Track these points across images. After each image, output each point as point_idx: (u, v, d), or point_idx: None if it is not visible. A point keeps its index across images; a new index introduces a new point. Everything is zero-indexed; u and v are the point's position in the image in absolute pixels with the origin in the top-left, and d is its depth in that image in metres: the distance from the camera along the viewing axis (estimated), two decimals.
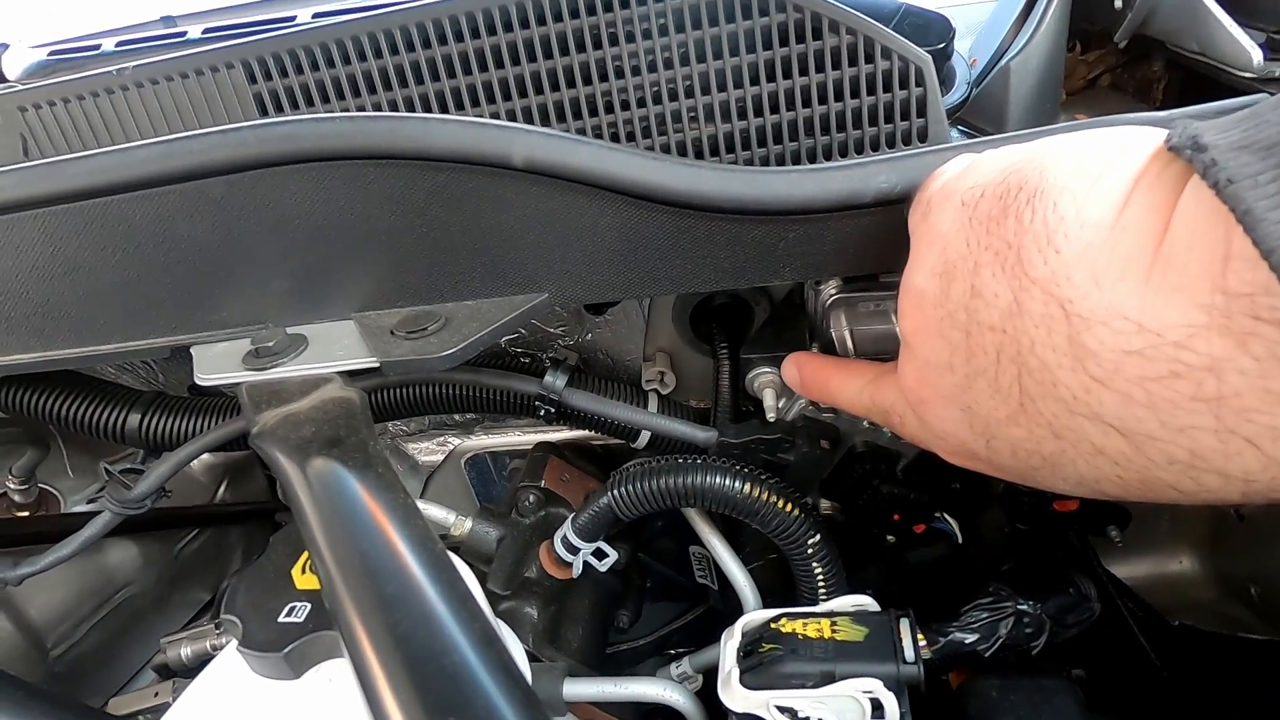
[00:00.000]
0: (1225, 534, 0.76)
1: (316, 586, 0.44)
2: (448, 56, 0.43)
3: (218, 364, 0.46)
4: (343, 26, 0.43)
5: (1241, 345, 0.20)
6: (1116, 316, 0.23)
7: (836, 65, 0.42)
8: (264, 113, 0.45)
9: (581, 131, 0.44)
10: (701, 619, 0.75)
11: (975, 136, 0.49)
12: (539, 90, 0.44)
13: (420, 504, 0.57)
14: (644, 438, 0.61)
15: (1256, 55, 0.49)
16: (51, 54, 0.60)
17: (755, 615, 0.50)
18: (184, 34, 0.60)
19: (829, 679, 0.43)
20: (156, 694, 0.64)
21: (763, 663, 0.45)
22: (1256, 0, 0.52)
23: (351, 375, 0.46)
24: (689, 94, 0.43)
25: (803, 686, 0.44)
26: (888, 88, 0.42)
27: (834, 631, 0.46)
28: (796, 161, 0.44)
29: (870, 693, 0.42)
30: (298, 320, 0.47)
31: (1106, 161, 0.26)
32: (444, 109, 0.44)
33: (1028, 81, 0.51)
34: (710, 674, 0.64)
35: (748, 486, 0.52)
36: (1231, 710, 0.59)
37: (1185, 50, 0.54)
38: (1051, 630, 0.53)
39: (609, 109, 0.44)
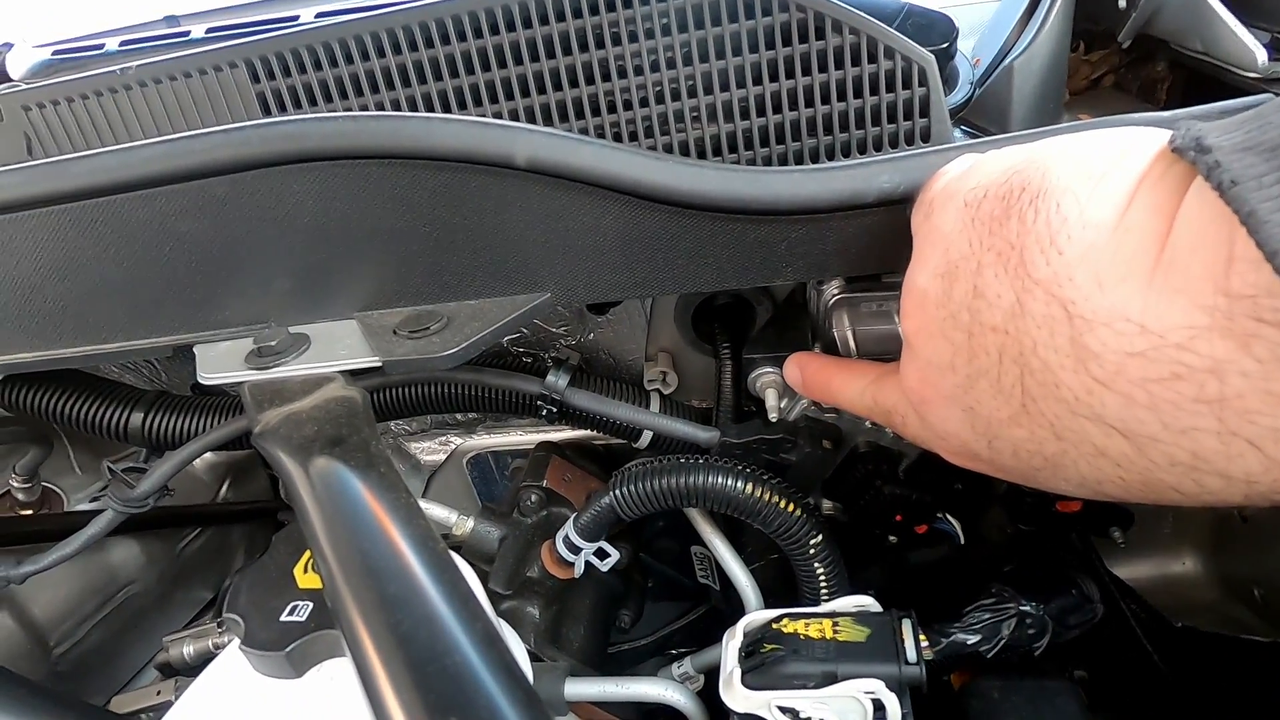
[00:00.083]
0: (1228, 535, 0.76)
1: (318, 586, 0.44)
2: (450, 56, 0.43)
3: (220, 363, 0.46)
4: (345, 26, 0.43)
5: (1244, 347, 0.20)
6: (1119, 318, 0.23)
7: (839, 65, 0.42)
8: (267, 112, 0.46)
9: (584, 131, 0.44)
10: (703, 619, 0.75)
11: (978, 136, 0.49)
12: (541, 90, 0.44)
13: (422, 503, 0.57)
14: (646, 438, 0.61)
15: (1261, 55, 0.48)
16: (55, 53, 0.60)
17: (757, 615, 0.50)
18: (187, 33, 0.60)
19: (831, 679, 0.43)
20: (159, 692, 0.64)
21: (765, 663, 0.45)
22: (1261, 0, 0.52)
23: (354, 374, 0.46)
24: (691, 94, 0.43)
25: (804, 687, 0.43)
26: (890, 87, 0.42)
27: (836, 632, 0.46)
28: (799, 161, 0.44)
29: (872, 693, 0.42)
30: (300, 320, 0.47)
31: (1109, 162, 0.25)
32: (447, 108, 0.44)
33: (1031, 81, 0.51)
34: (712, 674, 0.64)
35: (750, 487, 0.52)
36: (1234, 712, 0.59)
37: (1189, 50, 0.54)
38: (1054, 631, 0.53)
39: (611, 108, 0.44)
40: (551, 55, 0.43)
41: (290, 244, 0.43)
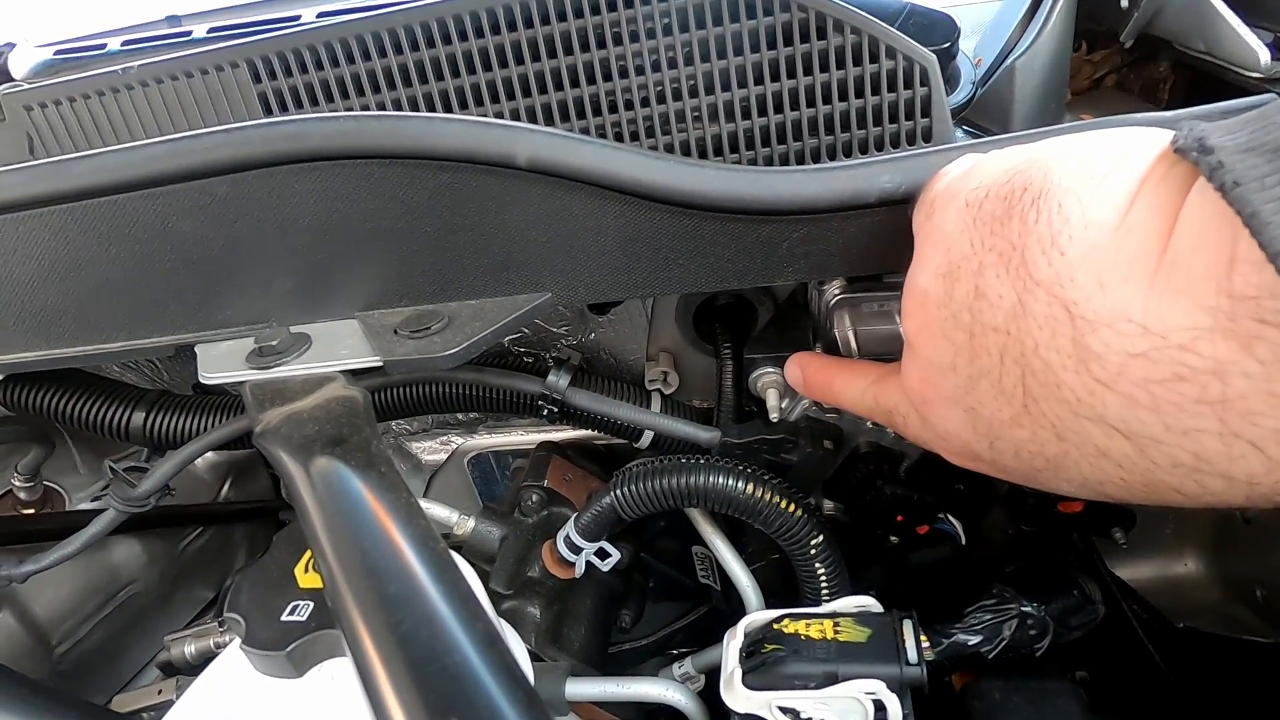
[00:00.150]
0: (1230, 536, 0.76)
1: (319, 585, 0.44)
2: (451, 56, 0.43)
3: (222, 363, 0.46)
4: (347, 26, 0.43)
5: (1246, 348, 0.20)
6: (1121, 319, 0.23)
7: (841, 65, 0.41)
8: (268, 112, 0.46)
9: (585, 131, 0.44)
10: (704, 619, 0.75)
11: (980, 136, 0.49)
12: (543, 89, 0.44)
13: (423, 503, 0.57)
14: (647, 438, 0.61)
15: (1264, 55, 0.48)
16: (57, 53, 0.60)
17: (758, 616, 0.50)
18: (189, 33, 0.60)
19: (831, 680, 0.43)
20: (160, 691, 0.64)
21: (765, 663, 0.45)
22: (1264, 0, 0.52)
23: (355, 374, 0.46)
24: (693, 93, 0.43)
25: (805, 687, 0.43)
26: (892, 87, 0.42)
27: (837, 632, 0.46)
28: (800, 161, 0.44)
29: (873, 694, 0.42)
30: (301, 319, 0.47)
31: (1112, 162, 0.25)
32: (448, 108, 0.44)
33: (1033, 81, 0.51)
34: (712, 674, 0.64)
35: (750, 487, 0.52)
36: (1236, 713, 0.59)
37: (1192, 50, 0.54)
38: (1055, 632, 0.53)
39: (613, 108, 0.44)
40: (552, 55, 0.43)
41: (291, 244, 0.43)
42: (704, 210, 0.39)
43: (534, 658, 0.58)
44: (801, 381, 0.47)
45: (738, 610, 0.59)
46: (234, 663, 0.45)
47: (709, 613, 0.75)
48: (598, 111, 0.44)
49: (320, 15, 0.56)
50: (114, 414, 0.57)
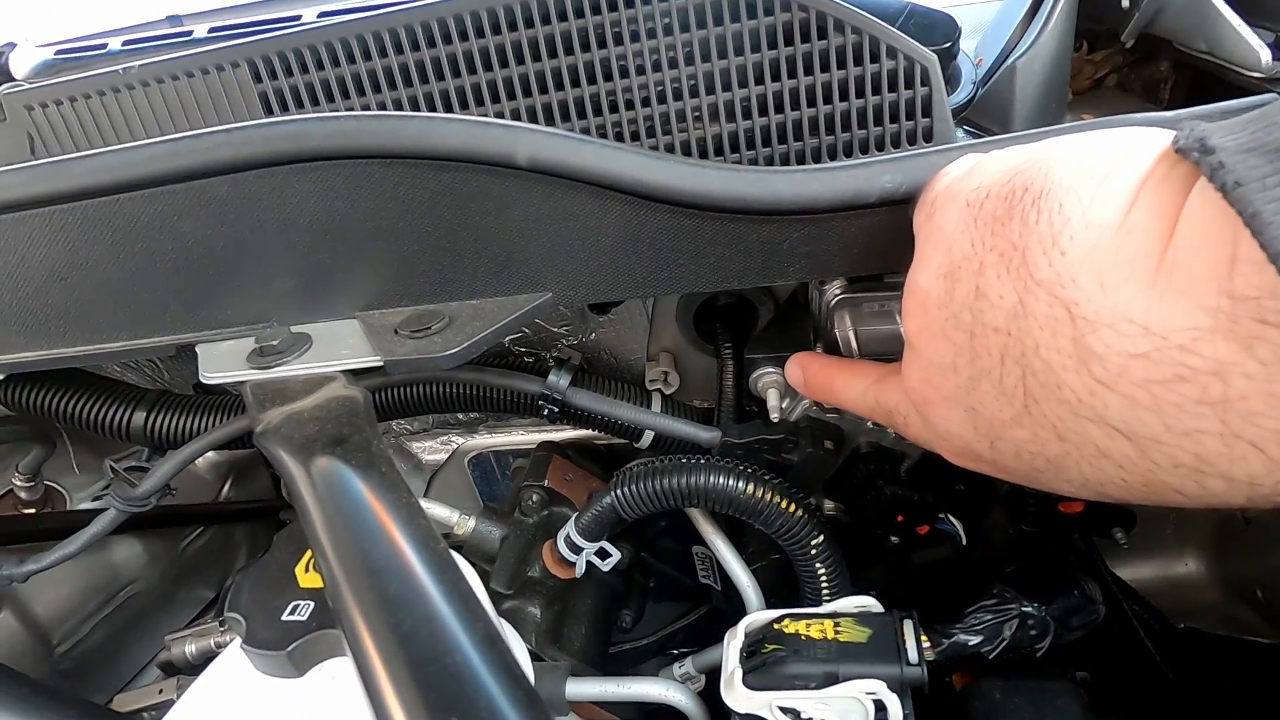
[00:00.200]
0: (1231, 537, 0.75)
1: (320, 585, 0.44)
2: (452, 56, 0.43)
3: (222, 362, 0.46)
4: (348, 26, 0.43)
5: (1247, 349, 0.20)
6: (1122, 319, 0.23)
7: (842, 65, 0.41)
8: (269, 112, 0.46)
9: (586, 131, 0.44)
10: (704, 619, 0.75)
11: (981, 136, 0.49)
12: (543, 89, 0.44)
13: (423, 503, 0.57)
14: (647, 438, 0.61)
15: (1265, 55, 0.48)
16: (58, 53, 0.60)
17: (758, 616, 0.50)
18: (190, 33, 0.60)
19: (832, 680, 0.43)
20: (161, 691, 0.64)
21: (766, 663, 0.45)
22: (1265, 0, 0.52)
23: (355, 374, 0.46)
24: (693, 93, 0.43)
25: (806, 687, 0.43)
26: (893, 87, 0.42)
27: (837, 632, 0.46)
28: (801, 161, 0.44)
29: (873, 694, 0.42)
30: (302, 319, 0.47)
31: (1113, 163, 0.25)
32: (448, 108, 0.44)
33: (1034, 81, 0.51)
34: (713, 674, 0.64)
35: (751, 487, 0.52)
36: (1237, 713, 0.59)
37: (1193, 50, 0.54)
38: (1056, 632, 0.53)
39: (613, 108, 0.44)
40: (553, 55, 0.43)
41: (292, 243, 0.43)
42: (705, 210, 0.39)
43: (534, 657, 0.58)
44: (802, 381, 0.47)
45: (738, 610, 0.59)
46: (235, 662, 0.45)
47: (709, 613, 0.75)
48: (598, 111, 0.44)
49: (321, 15, 0.56)
50: (115, 414, 0.57)
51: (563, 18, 0.42)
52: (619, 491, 0.54)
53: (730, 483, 0.52)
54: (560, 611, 0.61)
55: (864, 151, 0.43)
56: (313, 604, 0.43)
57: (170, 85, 0.46)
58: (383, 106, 0.45)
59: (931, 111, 0.42)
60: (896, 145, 0.43)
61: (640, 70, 0.43)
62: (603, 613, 0.65)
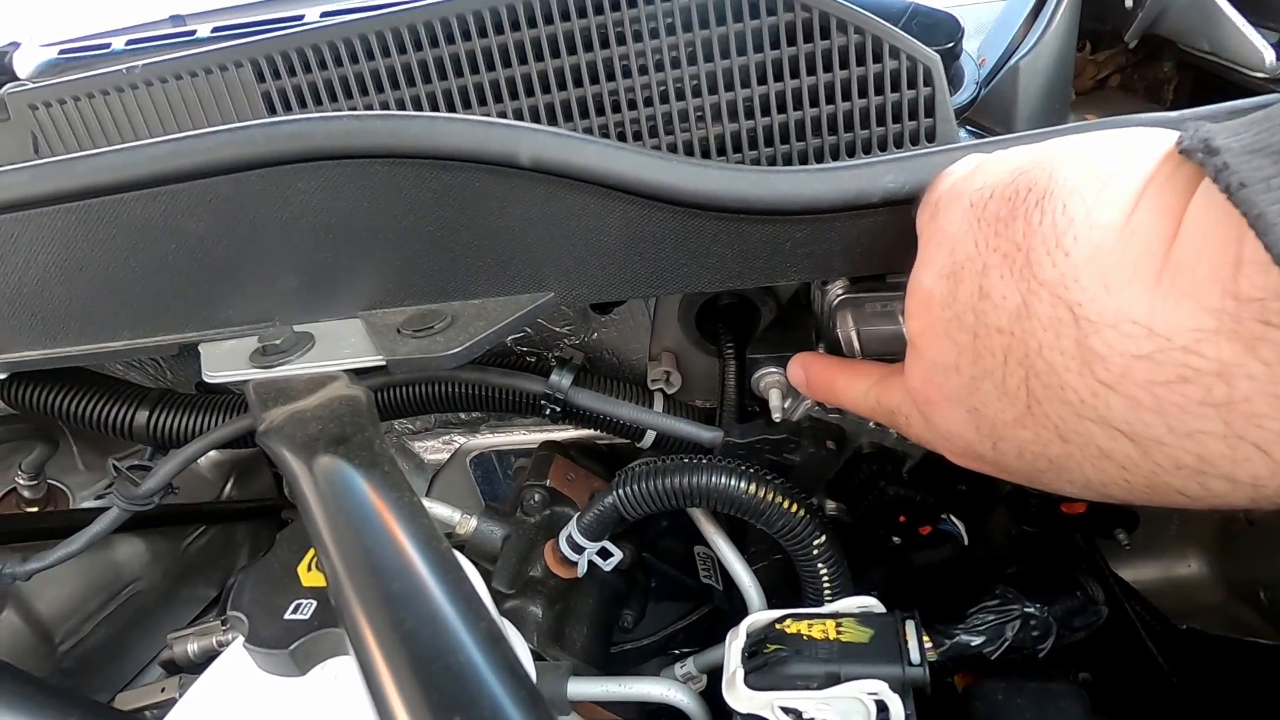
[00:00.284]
0: (1234, 538, 0.75)
1: (322, 584, 0.44)
2: (455, 55, 0.43)
3: (225, 361, 0.46)
4: (350, 25, 0.43)
5: (1251, 350, 0.20)
6: (1125, 320, 0.23)
7: (844, 65, 0.41)
8: (272, 111, 0.46)
9: (589, 130, 0.44)
10: (706, 619, 0.75)
11: (984, 136, 0.48)
12: (546, 89, 0.44)
13: (425, 502, 0.57)
14: (649, 437, 0.61)
15: (1269, 55, 0.48)
16: (61, 53, 0.61)
17: (760, 616, 0.50)
18: (193, 33, 0.60)
19: (834, 680, 0.43)
20: (163, 689, 0.64)
21: (768, 663, 0.45)
22: (1269, 0, 0.52)
23: (358, 373, 0.46)
24: (696, 93, 0.43)
25: (807, 688, 0.43)
26: (896, 87, 0.42)
27: (839, 633, 0.46)
28: (804, 161, 0.44)
29: (875, 694, 0.42)
30: (305, 318, 0.47)
31: (1116, 163, 0.25)
32: (451, 108, 0.44)
33: (1037, 81, 0.51)
34: (715, 674, 0.64)
35: (753, 487, 0.52)
36: (1238, 715, 0.59)
37: (1196, 50, 0.54)
38: (1058, 633, 0.53)
39: (616, 108, 0.44)
40: (556, 55, 0.43)
41: (295, 243, 0.43)
42: (707, 210, 0.39)
43: (536, 657, 0.58)
44: (804, 382, 0.47)
45: (740, 610, 0.59)
46: (237, 661, 0.45)
47: (711, 613, 0.75)
48: (601, 111, 0.44)
49: (324, 15, 0.56)
50: (118, 412, 0.57)
51: (565, 17, 0.42)
52: (621, 491, 0.54)
53: (732, 483, 0.52)
54: (562, 611, 0.61)
55: (867, 152, 0.43)
56: (315, 603, 0.43)
57: (173, 85, 0.46)
58: (385, 106, 0.45)
59: (934, 111, 0.42)
60: (899, 145, 0.43)
61: (643, 70, 0.43)
62: (604, 612, 0.65)
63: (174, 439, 0.58)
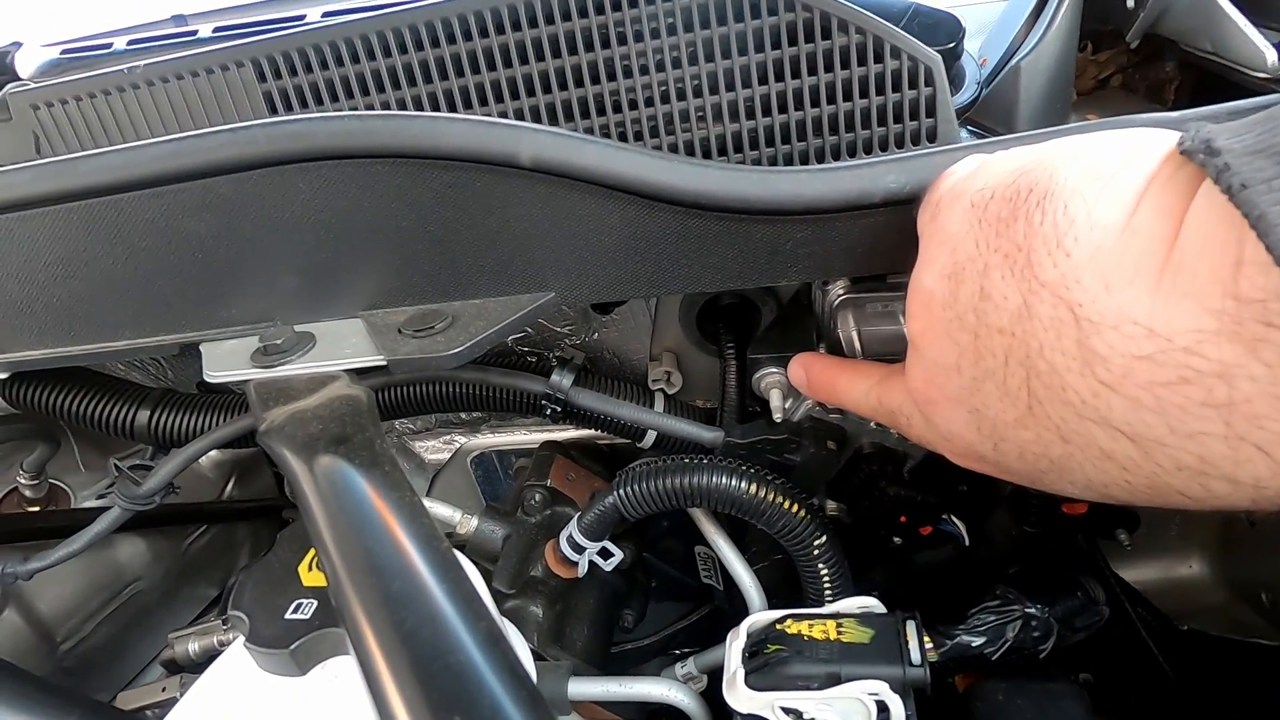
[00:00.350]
0: (1235, 538, 0.75)
1: (323, 583, 0.44)
2: (456, 55, 0.43)
3: (226, 361, 0.46)
4: (352, 25, 0.43)
5: (1252, 351, 0.20)
6: (1126, 321, 0.23)
7: (845, 65, 0.41)
8: (273, 111, 0.46)
9: (589, 130, 0.44)
10: (706, 619, 0.75)
11: (985, 137, 0.48)
12: (547, 89, 0.44)
13: (426, 502, 0.57)
14: (650, 437, 0.61)
15: (1271, 56, 0.48)
16: (63, 53, 0.61)
17: (761, 616, 0.50)
18: (194, 33, 0.60)
19: (834, 681, 0.43)
20: (164, 689, 0.64)
21: (768, 664, 0.45)
22: (1271, 0, 0.51)
23: (359, 373, 0.46)
24: (697, 93, 0.43)
25: (808, 688, 0.43)
26: (897, 87, 0.42)
27: (840, 633, 0.46)
28: (805, 161, 0.44)
29: (876, 695, 0.42)
30: (306, 318, 0.47)
31: (1118, 164, 0.25)
32: (452, 108, 0.44)
33: (1038, 81, 0.51)
34: (715, 674, 0.64)
35: (754, 487, 0.52)
36: (1240, 716, 0.59)
37: (1198, 50, 0.54)
38: (1059, 634, 0.53)
39: (617, 108, 0.44)
40: (557, 55, 0.43)
41: (296, 243, 0.43)
42: (708, 210, 0.39)
43: (537, 657, 0.58)
44: (805, 382, 0.46)
45: (740, 611, 0.59)
46: (237, 660, 0.45)
47: (711, 613, 0.75)
48: (602, 111, 0.44)
49: (325, 15, 0.56)
50: (119, 412, 0.57)
51: (566, 17, 0.42)
52: (621, 491, 0.54)
53: (733, 483, 0.52)
54: (562, 611, 0.61)
55: (868, 152, 0.43)
56: (316, 602, 0.43)
57: (175, 85, 0.46)
58: (386, 106, 0.45)
59: (935, 112, 0.42)
60: (900, 146, 0.43)
61: (644, 70, 0.43)
62: (605, 612, 0.65)
63: (175, 439, 0.58)
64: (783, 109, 0.43)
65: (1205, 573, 0.77)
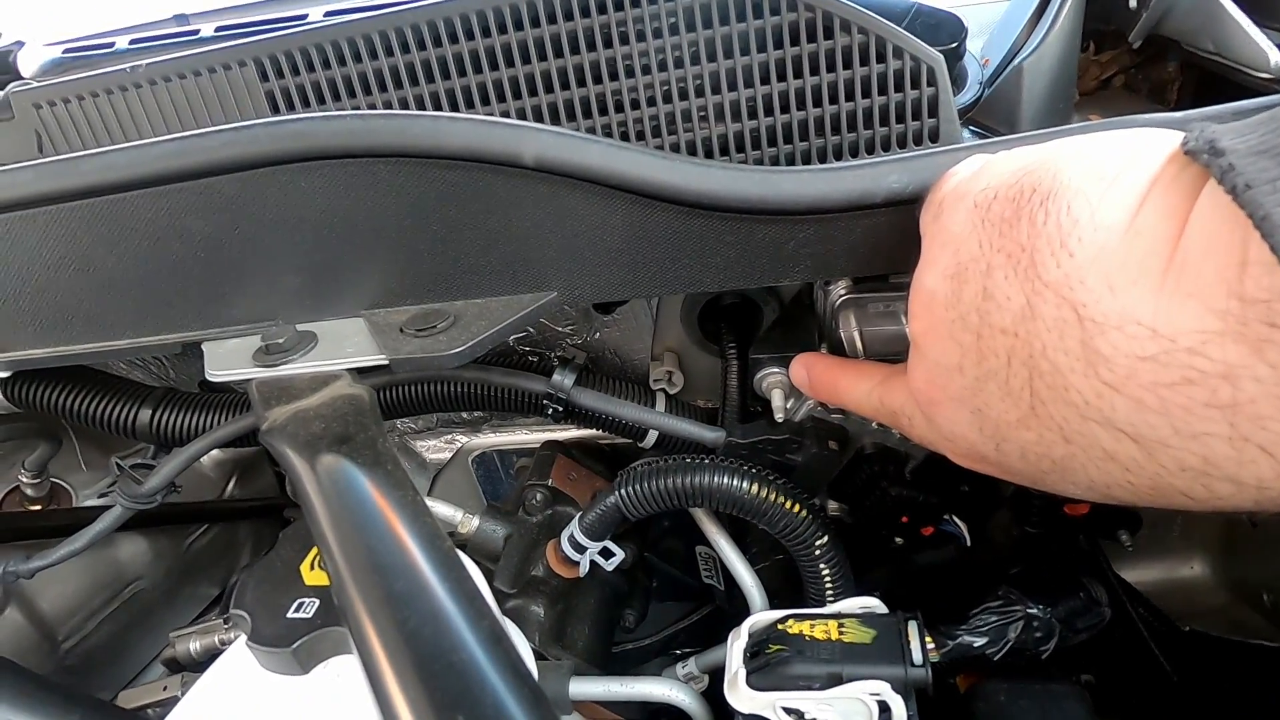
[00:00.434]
0: (1237, 539, 0.75)
1: (325, 582, 0.44)
2: (458, 55, 0.43)
3: (228, 360, 0.46)
4: (354, 24, 0.43)
5: (1257, 352, 0.20)
6: (1130, 321, 0.23)
7: (848, 65, 0.41)
8: (275, 110, 0.46)
9: (592, 130, 0.44)
10: (707, 619, 0.75)
11: (987, 137, 0.48)
12: (549, 89, 0.44)
13: (428, 501, 0.57)
14: (651, 437, 0.61)
15: (1274, 56, 0.48)
16: (66, 52, 0.61)
17: (762, 616, 0.50)
18: (196, 32, 0.60)
19: (836, 681, 0.43)
20: (165, 688, 0.64)
21: (770, 664, 0.45)
22: (1274, 1, 0.51)
23: (361, 372, 0.46)
24: (699, 93, 0.43)
25: (809, 688, 0.43)
26: (899, 87, 0.42)
27: (841, 633, 0.46)
28: (807, 161, 0.44)
29: (877, 695, 0.42)
30: (308, 317, 0.47)
31: (1121, 164, 0.25)
32: (455, 107, 0.44)
33: (1041, 82, 0.51)
34: (716, 674, 0.64)
35: (755, 487, 0.52)
36: (1242, 717, 0.59)
37: (1201, 50, 0.54)
38: (1061, 634, 0.53)
39: (619, 108, 0.44)
40: (560, 54, 0.43)
41: (298, 242, 0.43)
42: (711, 210, 0.39)
43: (538, 656, 0.58)
44: (807, 382, 0.46)
45: (742, 611, 0.59)
46: (239, 659, 0.45)
47: (713, 613, 0.75)
48: (604, 111, 0.44)
49: (328, 14, 0.56)
50: (121, 411, 0.57)
51: (569, 17, 0.42)
52: (623, 491, 0.54)
53: (734, 483, 0.52)
54: (564, 611, 0.61)
55: (870, 152, 0.43)
56: (318, 601, 0.43)
57: (177, 84, 0.46)
58: (389, 105, 0.45)
59: (938, 112, 0.42)
60: (903, 146, 0.43)
61: (646, 70, 0.43)
62: (606, 612, 0.65)
63: (177, 437, 0.58)
64: (785, 109, 0.43)
65: (1207, 574, 0.77)
